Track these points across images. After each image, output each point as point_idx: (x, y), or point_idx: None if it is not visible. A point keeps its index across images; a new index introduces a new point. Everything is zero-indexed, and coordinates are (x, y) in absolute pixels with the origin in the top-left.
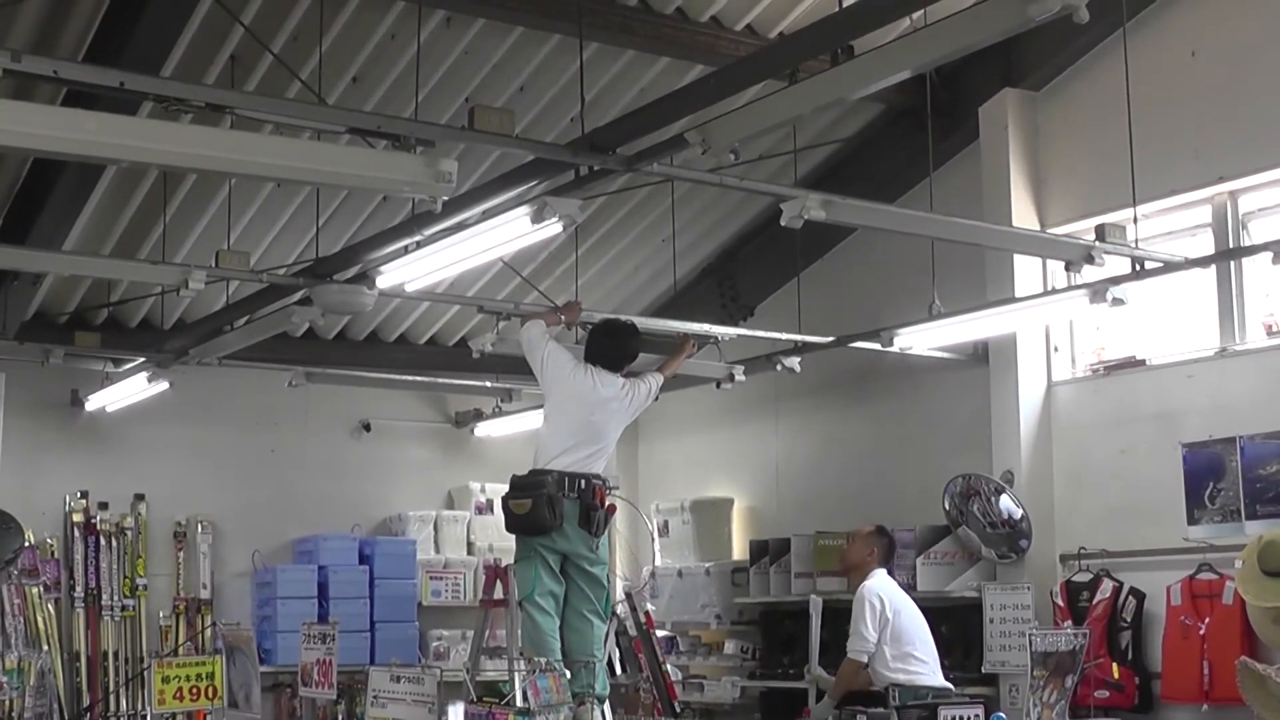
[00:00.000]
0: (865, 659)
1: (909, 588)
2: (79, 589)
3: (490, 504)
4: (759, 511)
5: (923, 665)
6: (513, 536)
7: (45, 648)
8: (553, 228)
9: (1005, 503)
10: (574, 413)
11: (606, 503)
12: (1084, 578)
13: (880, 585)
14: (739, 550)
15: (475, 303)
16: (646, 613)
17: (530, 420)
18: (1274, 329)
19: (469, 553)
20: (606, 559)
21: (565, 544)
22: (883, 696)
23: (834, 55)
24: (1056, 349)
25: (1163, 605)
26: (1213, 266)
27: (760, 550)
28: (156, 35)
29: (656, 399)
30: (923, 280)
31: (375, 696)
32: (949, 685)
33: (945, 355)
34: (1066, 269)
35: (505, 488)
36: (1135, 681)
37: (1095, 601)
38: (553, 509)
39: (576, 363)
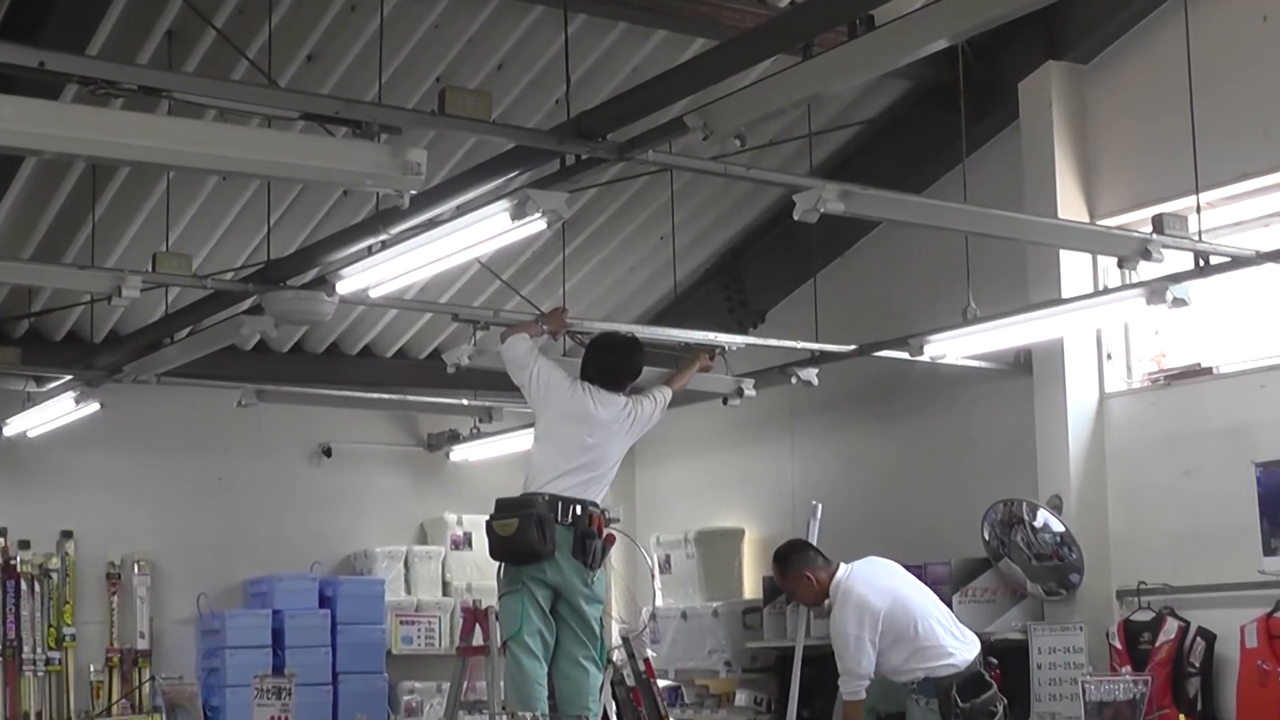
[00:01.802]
0: (864, 694)
1: None
2: None
3: (468, 538)
4: (773, 543)
5: (939, 650)
6: (494, 576)
7: None
8: (536, 225)
9: (1042, 519)
10: (569, 435)
11: (605, 533)
12: (1145, 617)
13: (855, 599)
14: (750, 588)
15: (449, 310)
16: (646, 660)
17: (513, 442)
18: None
19: (445, 594)
20: (602, 597)
21: (557, 576)
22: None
23: (852, 26)
24: (1110, 357)
25: (1236, 648)
26: None
27: (775, 588)
28: (81, 8)
29: (659, 419)
30: (956, 280)
31: None
32: (972, 656)
33: (983, 365)
34: (1120, 266)
35: (485, 518)
36: None
37: (1158, 644)
38: (543, 531)
39: (572, 380)
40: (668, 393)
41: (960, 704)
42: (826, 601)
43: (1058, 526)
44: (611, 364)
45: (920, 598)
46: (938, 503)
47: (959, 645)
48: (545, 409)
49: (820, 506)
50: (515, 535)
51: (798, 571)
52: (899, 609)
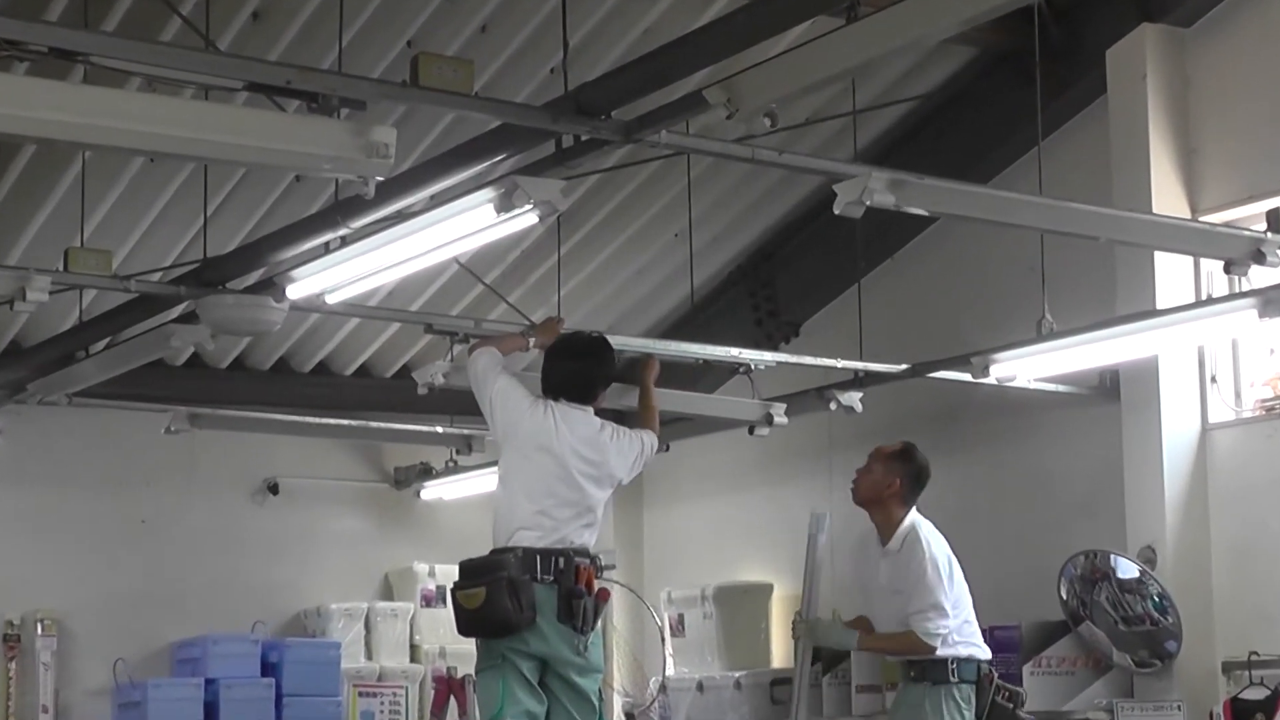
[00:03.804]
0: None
1: None
2: None
3: (441, 592)
4: None
5: (977, 633)
6: (472, 639)
7: None
8: (526, 218)
9: (1132, 574)
10: (538, 469)
11: (596, 587)
12: (1257, 694)
13: (934, 537)
14: (780, 655)
15: (421, 320)
16: None
17: (496, 479)
18: None
19: (413, 659)
20: (600, 665)
21: (542, 646)
22: None
23: None
24: (1214, 380)
25: None
26: None
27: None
28: None
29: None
30: (1029, 288)
31: None
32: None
33: (1061, 390)
34: (1227, 271)
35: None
36: None
37: None
38: (517, 597)
39: (533, 400)
40: (654, 438)
41: (1008, 686)
42: (889, 543)
43: (1130, 572)
44: (576, 371)
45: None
46: (1006, 554)
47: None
48: (508, 439)
49: (827, 517)
50: (484, 608)
51: (890, 474)
52: (959, 575)
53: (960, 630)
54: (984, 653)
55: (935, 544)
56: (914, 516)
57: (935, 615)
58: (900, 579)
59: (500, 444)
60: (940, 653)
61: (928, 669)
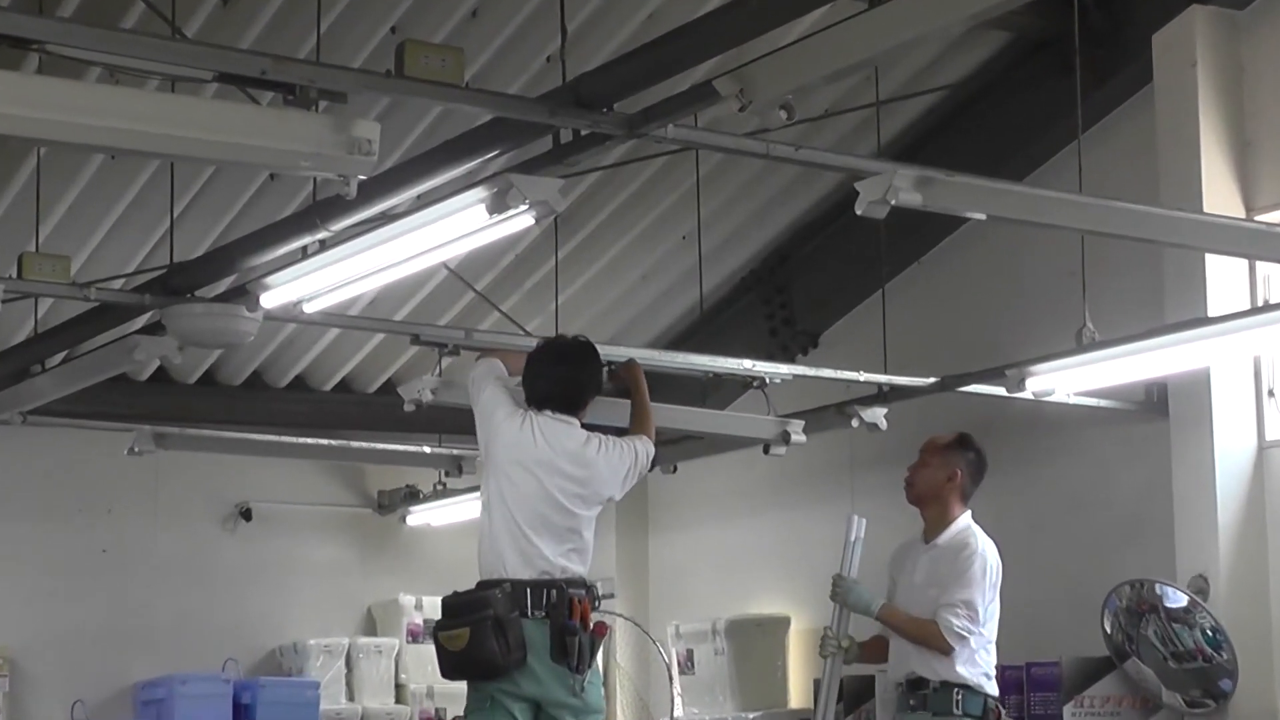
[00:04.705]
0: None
1: None
2: None
3: (429, 626)
4: None
5: (992, 666)
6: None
7: None
8: (521, 219)
9: (1182, 606)
10: (517, 489)
11: (591, 622)
12: None
13: (989, 544)
14: (799, 694)
15: (407, 330)
16: None
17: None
18: None
19: (398, 700)
20: (599, 706)
21: (534, 687)
22: None
23: None
24: (1271, 394)
25: None
26: None
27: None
28: None
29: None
30: (1069, 295)
31: None
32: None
33: (1103, 405)
34: None
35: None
36: None
37: None
38: (504, 637)
39: (513, 411)
40: (648, 445)
41: None
42: (937, 538)
43: (1178, 601)
44: (563, 377)
45: None
46: (1044, 584)
47: None
48: (488, 456)
49: (864, 523)
50: (468, 650)
51: (949, 465)
52: (998, 598)
53: (978, 654)
54: (993, 687)
55: (989, 549)
56: (970, 519)
57: (965, 612)
58: (940, 573)
59: (484, 460)
60: (955, 670)
61: (929, 699)
